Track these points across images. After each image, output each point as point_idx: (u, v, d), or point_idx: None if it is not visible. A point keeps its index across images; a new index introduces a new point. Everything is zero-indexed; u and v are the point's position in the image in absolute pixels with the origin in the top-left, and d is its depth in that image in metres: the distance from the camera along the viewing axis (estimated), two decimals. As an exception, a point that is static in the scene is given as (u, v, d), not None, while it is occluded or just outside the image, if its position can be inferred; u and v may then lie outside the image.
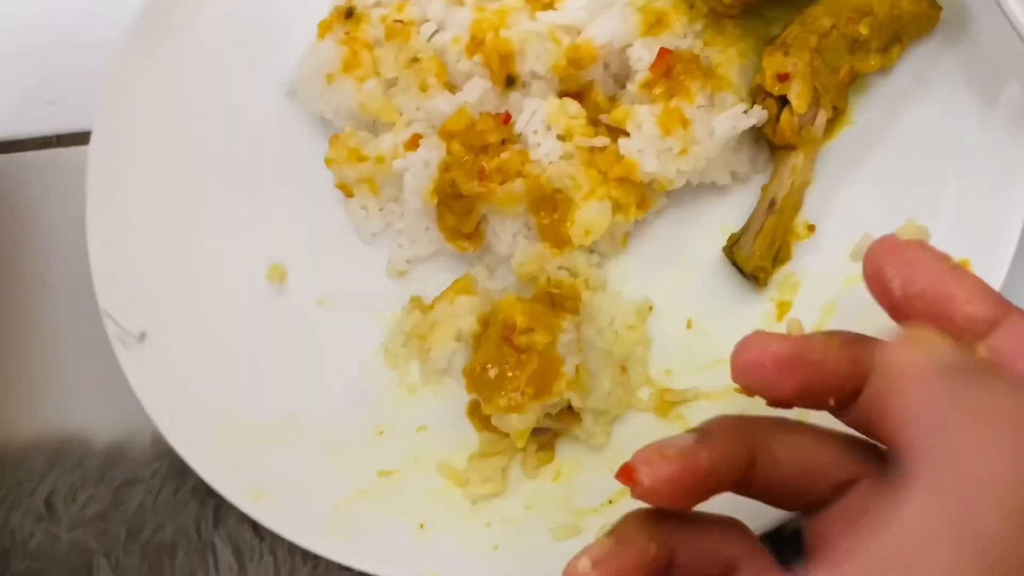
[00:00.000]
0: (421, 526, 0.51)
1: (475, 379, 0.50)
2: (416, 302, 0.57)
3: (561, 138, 0.54)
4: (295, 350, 0.57)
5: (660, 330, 0.54)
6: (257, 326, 0.58)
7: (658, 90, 0.53)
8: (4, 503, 0.56)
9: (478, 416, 0.53)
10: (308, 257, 0.60)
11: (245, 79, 0.64)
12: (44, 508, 0.56)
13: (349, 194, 0.59)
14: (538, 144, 0.53)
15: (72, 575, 0.53)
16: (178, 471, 0.55)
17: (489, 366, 0.49)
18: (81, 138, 0.69)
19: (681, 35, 0.55)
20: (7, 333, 0.65)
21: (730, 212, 0.56)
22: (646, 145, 0.52)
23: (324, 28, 0.61)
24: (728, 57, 0.55)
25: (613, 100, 0.56)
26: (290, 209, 0.61)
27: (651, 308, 0.55)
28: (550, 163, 0.53)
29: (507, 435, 0.51)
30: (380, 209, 0.59)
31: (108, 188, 0.59)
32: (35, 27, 0.73)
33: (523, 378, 0.48)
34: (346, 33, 0.60)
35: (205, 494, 0.54)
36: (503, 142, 0.54)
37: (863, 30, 0.52)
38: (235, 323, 0.58)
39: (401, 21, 0.58)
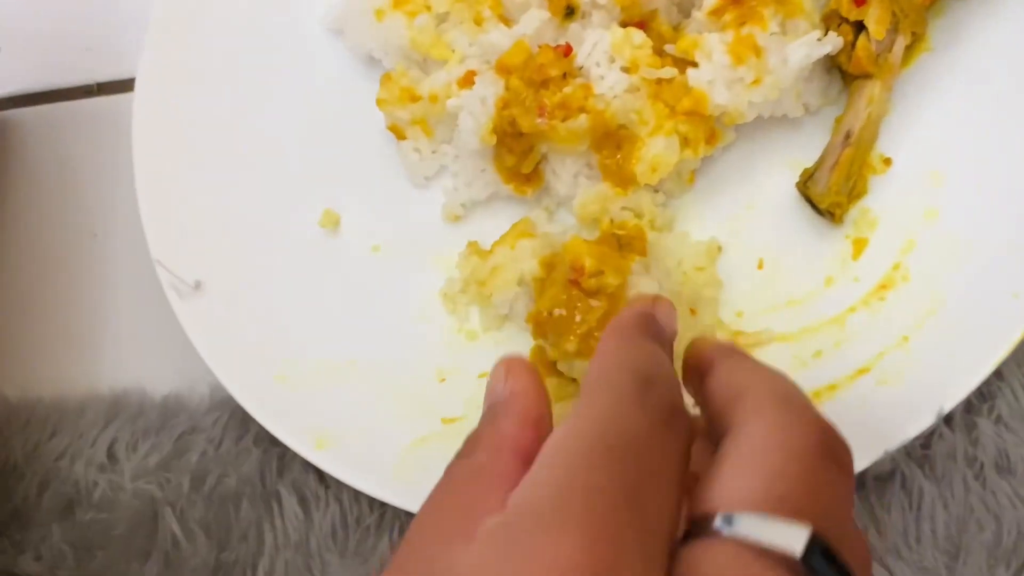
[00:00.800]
0: (488, 472, 0.50)
1: (541, 324, 0.49)
2: (473, 247, 0.55)
3: (625, 70, 0.51)
4: (352, 296, 0.56)
5: (730, 271, 0.52)
6: (312, 272, 0.57)
7: (728, 17, 0.50)
8: (66, 454, 0.56)
9: (543, 362, 0.51)
10: (361, 203, 0.58)
11: (290, 17, 0.62)
12: (106, 458, 0.55)
13: (401, 136, 0.57)
14: (601, 77, 0.51)
15: (138, 525, 0.52)
16: (239, 420, 0.55)
17: (556, 310, 0.48)
18: (123, 85, 0.68)
19: (750, -41, 0.52)
20: (58, 287, 0.64)
21: (801, 146, 0.54)
22: (717, 75, 0.50)
23: (369, -39, 0.58)
24: (800, -19, 0.52)
25: (677, 30, 0.54)
26: (341, 153, 0.59)
27: (720, 248, 0.53)
28: (614, 97, 0.51)
29: (574, 380, 0.50)
30: (433, 151, 0.57)
31: (155, 135, 0.58)
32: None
33: (592, 322, 0.47)
34: (394, -34, 0.57)
35: (268, 443, 0.53)
36: (564, 76, 0.51)
37: (947, -52, 0.49)
38: (290, 269, 0.57)
39: (452, -51, 0.55)
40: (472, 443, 0.35)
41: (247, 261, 0.56)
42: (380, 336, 0.55)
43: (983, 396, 0.46)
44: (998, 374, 0.46)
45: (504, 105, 0.52)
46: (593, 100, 0.50)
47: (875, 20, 0.49)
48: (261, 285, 0.56)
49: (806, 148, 0.53)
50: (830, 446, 0.29)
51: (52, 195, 0.67)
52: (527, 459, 0.33)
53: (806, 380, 0.48)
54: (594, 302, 0.47)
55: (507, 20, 0.55)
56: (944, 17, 0.53)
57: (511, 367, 0.39)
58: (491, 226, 0.56)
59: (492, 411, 0.37)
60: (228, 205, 0.58)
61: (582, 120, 0.50)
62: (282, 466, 0.53)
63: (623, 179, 0.52)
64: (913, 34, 0.51)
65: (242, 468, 0.53)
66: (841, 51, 0.51)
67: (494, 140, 0.52)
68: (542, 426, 0.35)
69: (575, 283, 0.47)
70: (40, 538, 0.53)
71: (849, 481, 0.30)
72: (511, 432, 0.34)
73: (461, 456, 0.34)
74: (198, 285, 0.55)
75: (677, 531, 0.27)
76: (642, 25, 0.53)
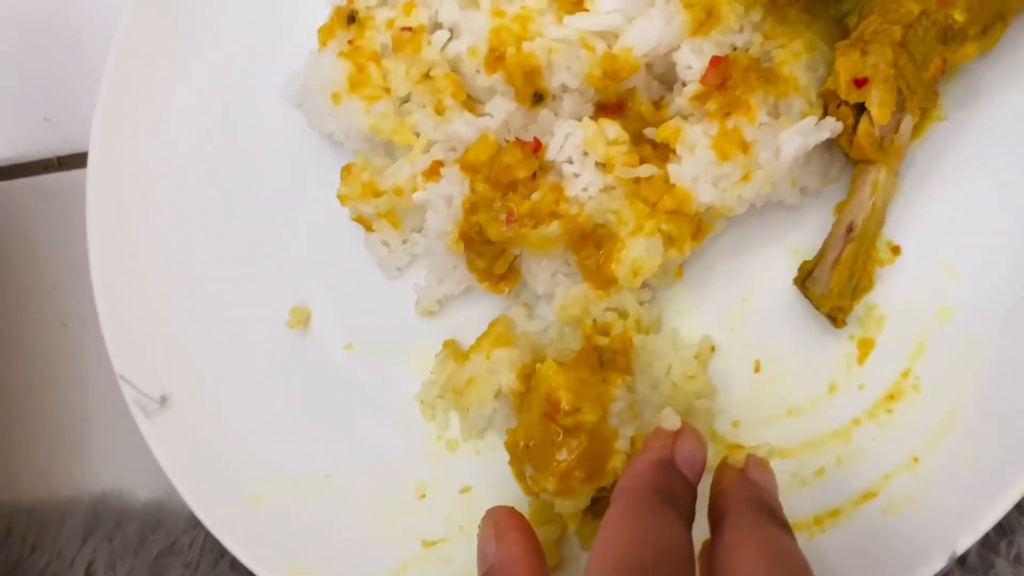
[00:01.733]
0: (473, 603, 0.48)
1: (519, 455, 0.45)
2: (450, 348, 0.51)
3: (601, 165, 0.46)
4: (325, 403, 0.53)
5: (724, 374, 0.48)
6: (284, 378, 0.54)
7: (712, 105, 0.45)
8: (46, 575, 0.55)
9: (526, 479, 0.48)
10: (331, 297, 0.55)
11: (250, 93, 0.57)
12: (85, 582, 0.54)
13: (368, 228, 0.53)
14: (575, 175, 0.46)
15: (118, 660, 0.51)
16: (215, 540, 0.52)
17: (532, 443, 0.44)
18: (84, 159, 0.64)
19: (736, 28, 0.47)
20: (30, 383, 0.62)
21: (799, 230, 0.49)
22: (701, 171, 0.45)
23: (325, 35, 0.54)
24: (793, 52, 0.46)
25: (659, 106, 0.49)
26: (308, 243, 0.56)
27: (713, 349, 0.49)
28: (589, 198, 0.46)
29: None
30: (404, 241, 0.53)
31: (111, 246, 0.55)
32: (22, 41, 0.67)
33: (572, 461, 0.43)
34: (349, 42, 0.52)
35: (245, 569, 0.51)
36: (533, 175, 0.47)
37: (958, 16, 0.43)
38: (260, 377, 0.54)
39: (409, 28, 0.50)
40: None
41: (215, 372, 0.54)
42: (356, 447, 0.52)
43: (1002, 530, 0.42)
44: (1020, 506, 0.42)
45: (471, 208, 0.47)
46: (565, 204, 0.46)
47: (878, 103, 0.43)
48: (230, 396, 0.53)
49: (805, 233, 0.49)
50: None
51: (16, 282, 0.64)
52: None
53: (806, 502, 0.45)
54: (573, 441, 0.43)
55: (472, 104, 0.50)
56: (959, 80, 0.47)
57: (500, 525, 0.39)
58: (469, 317, 0.53)
59: None
60: (192, 310, 0.55)
61: (554, 227, 0.46)
62: (260, 594, 0.51)
63: (603, 280, 0.48)
64: (922, 110, 0.45)
65: (220, 597, 0.51)
66: (841, 134, 0.45)
67: (461, 248, 0.48)
68: None
69: (551, 418, 0.44)
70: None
71: None
72: None
73: None
74: (164, 401, 0.53)
75: None
76: (620, 106, 0.48)
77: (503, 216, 0.46)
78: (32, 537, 0.57)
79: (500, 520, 0.40)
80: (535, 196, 0.46)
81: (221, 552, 0.53)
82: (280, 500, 0.51)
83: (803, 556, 0.34)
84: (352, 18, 0.53)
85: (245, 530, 0.50)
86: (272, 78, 0.57)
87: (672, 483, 0.37)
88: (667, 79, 0.49)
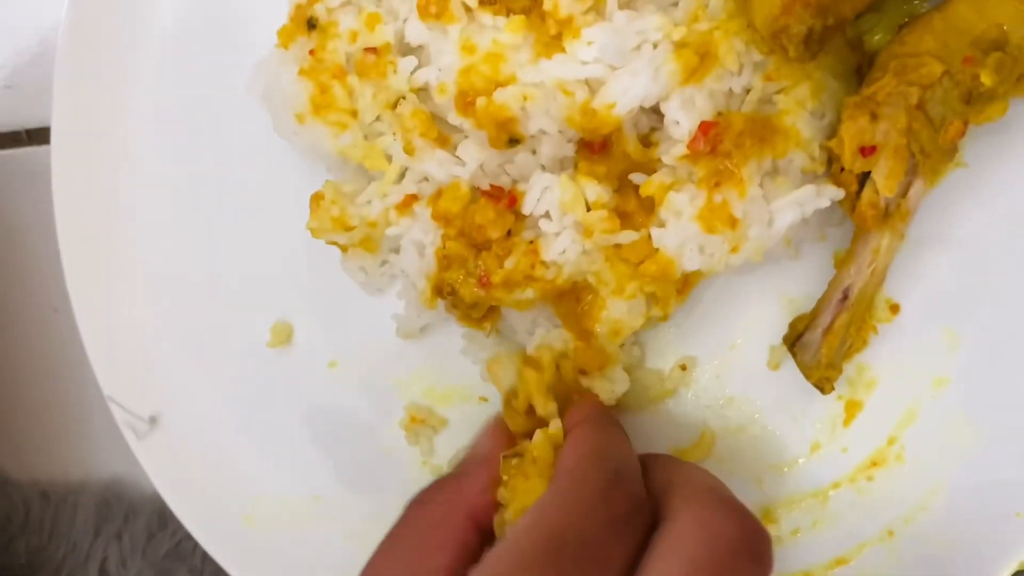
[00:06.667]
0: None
1: None
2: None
3: (580, 223, 0.43)
4: (310, 424, 0.53)
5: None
6: (271, 398, 0.53)
7: (701, 170, 0.41)
8: (63, 569, 0.58)
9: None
10: (314, 314, 0.53)
11: (222, 102, 0.53)
12: (98, 576, 0.57)
13: (344, 250, 0.51)
14: (554, 234, 0.43)
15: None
16: (216, 550, 0.55)
17: None
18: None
19: (735, 70, 0.41)
20: (25, 369, 0.62)
21: (795, 279, 0.46)
22: (685, 240, 0.42)
23: (285, 36, 0.49)
24: (797, 100, 0.41)
25: (648, 142, 0.44)
26: (287, 258, 0.53)
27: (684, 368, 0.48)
28: (567, 261, 0.43)
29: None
30: (383, 263, 0.51)
31: (89, 270, 0.53)
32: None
33: None
34: (311, 52, 0.48)
35: (244, 582, 0.54)
36: (508, 232, 0.44)
37: (986, 79, 0.38)
38: (248, 396, 0.54)
39: (374, 50, 0.45)
40: (436, 490, 0.40)
41: (202, 389, 0.54)
42: (344, 468, 0.53)
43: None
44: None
45: (444, 262, 0.45)
46: (542, 269, 0.43)
47: (885, 175, 0.39)
48: (218, 415, 0.53)
49: (801, 280, 0.46)
50: (748, 538, 0.32)
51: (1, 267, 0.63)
52: (479, 523, 0.38)
53: (780, 561, 0.45)
54: None
55: (446, 137, 0.46)
56: (983, 124, 0.42)
57: (500, 428, 0.43)
58: (453, 334, 0.51)
59: (466, 464, 0.41)
60: (176, 329, 0.54)
61: (529, 292, 0.43)
62: (260, 604, 0.54)
63: (583, 332, 0.46)
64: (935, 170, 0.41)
65: (223, 605, 0.54)
66: (844, 198, 0.41)
67: (436, 304, 0.46)
68: None
69: None
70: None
71: (762, 569, 0.32)
72: (472, 495, 0.39)
73: (422, 501, 0.39)
74: (154, 421, 0.53)
75: None
76: (605, 145, 0.44)
77: (476, 279, 0.44)
78: (48, 525, 0.59)
79: (502, 426, 0.43)
80: (509, 263, 0.43)
81: (222, 561, 0.55)
82: (273, 520, 0.52)
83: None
84: (312, 24, 0.48)
85: (239, 549, 0.52)
86: (242, 74, 0.53)
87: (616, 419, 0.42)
88: (658, 110, 0.44)
